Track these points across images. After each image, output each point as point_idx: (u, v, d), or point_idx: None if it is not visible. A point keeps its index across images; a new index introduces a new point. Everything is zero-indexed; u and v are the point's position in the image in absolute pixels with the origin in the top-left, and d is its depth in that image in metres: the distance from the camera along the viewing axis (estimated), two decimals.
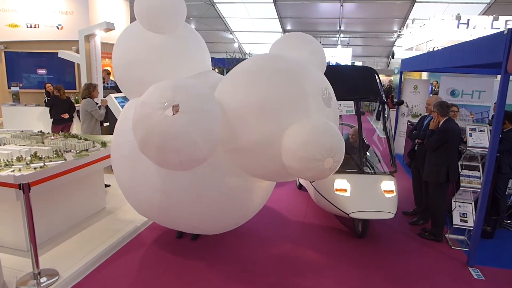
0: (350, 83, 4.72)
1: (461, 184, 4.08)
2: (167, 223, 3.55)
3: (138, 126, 2.48)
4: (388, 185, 4.09)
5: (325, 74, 4.79)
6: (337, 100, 4.50)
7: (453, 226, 4.10)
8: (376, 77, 4.88)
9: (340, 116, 4.88)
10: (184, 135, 2.38)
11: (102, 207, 4.66)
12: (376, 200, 3.93)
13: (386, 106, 4.82)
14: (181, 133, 2.36)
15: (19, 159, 3.43)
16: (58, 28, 8.70)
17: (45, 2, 8.50)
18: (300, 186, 5.80)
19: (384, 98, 4.75)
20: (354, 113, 4.53)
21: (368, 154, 4.86)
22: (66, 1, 8.48)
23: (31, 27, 8.69)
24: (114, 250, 3.74)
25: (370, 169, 4.44)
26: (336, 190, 4.02)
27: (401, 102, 8.04)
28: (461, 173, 4.11)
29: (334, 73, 5.00)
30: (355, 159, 4.32)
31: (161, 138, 2.38)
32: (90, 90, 5.55)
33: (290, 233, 4.31)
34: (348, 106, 4.51)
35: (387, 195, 3.99)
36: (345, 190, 4.00)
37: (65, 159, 3.55)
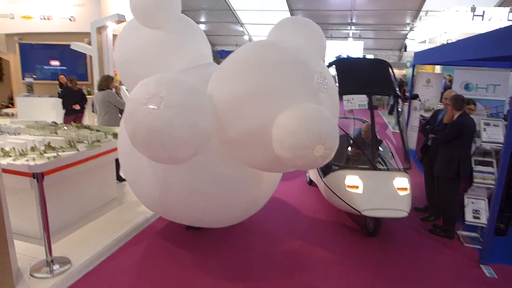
0: (363, 76, 4.62)
1: (475, 180, 4.00)
2: (171, 216, 3.56)
3: (127, 122, 2.51)
4: (402, 182, 3.98)
5: (337, 67, 4.78)
6: (350, 94, 4.46)
7: (466, 222, 4.04)
8: (390, 70, 4.77)
9: (352, 110, 4.82)
10: (168, 129, 2.36)
11: (113, 197, 4.73)
12: (390, 197, 3.84)
13: (400, 101, 4.71)
14: (165, 128, 2.35)
15: (33, 148, 3.50)
16: (70, 20, 8.79)
17: None
18: (311, 182, 5.75)
19: (398, 92, 4.66)
20: (366, 107, 4.44)
21: (381, 149, 4.78)
22: None
23: (44, 19, 8.79)
24: (125, 240, 3.79)
25: (383, 166, 4.36)
26: (348, 186, 3.95)
27: (415, 96, 7.90)
28: (474, 169, 4.03)
29: (346, 66, 4.94)
30: (368, 155, 4.23)
31: (147, 133, 2.39)
32: (108, 82, 5.48)
33: (299, 228, 4.30)
34: (361, 100, 4.43)
35: (401, 193, 3.89)
36: (357, 187, 3.92)
37: (77, 150, 3.61)
